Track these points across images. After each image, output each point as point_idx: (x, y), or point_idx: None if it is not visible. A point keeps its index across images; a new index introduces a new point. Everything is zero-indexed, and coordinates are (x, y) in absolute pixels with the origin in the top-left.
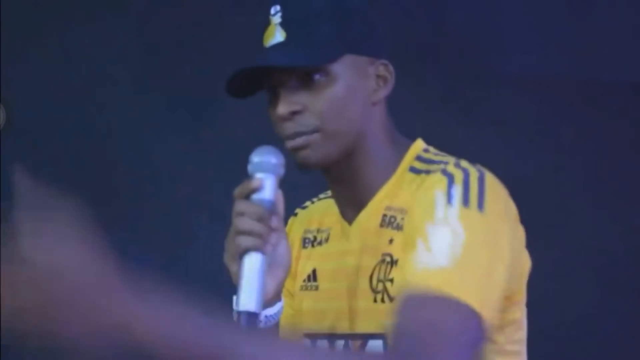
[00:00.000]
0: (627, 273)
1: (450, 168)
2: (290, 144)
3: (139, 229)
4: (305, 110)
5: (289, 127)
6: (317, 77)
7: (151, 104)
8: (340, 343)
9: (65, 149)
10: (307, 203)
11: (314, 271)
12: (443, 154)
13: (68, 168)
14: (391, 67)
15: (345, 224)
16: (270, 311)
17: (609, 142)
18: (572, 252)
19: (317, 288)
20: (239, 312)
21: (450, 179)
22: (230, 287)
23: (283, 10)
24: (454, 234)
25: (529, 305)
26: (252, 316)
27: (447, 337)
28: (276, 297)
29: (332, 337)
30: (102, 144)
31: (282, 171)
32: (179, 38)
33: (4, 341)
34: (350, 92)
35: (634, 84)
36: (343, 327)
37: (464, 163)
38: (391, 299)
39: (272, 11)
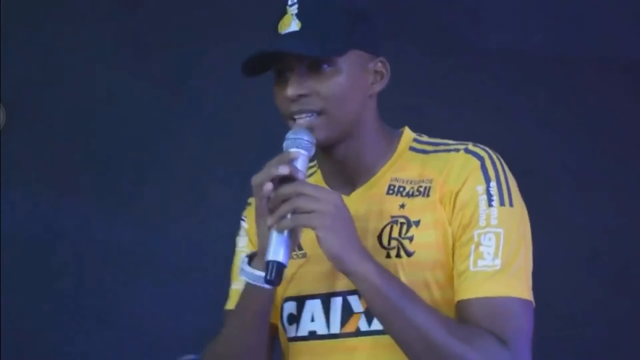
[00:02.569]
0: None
1: (472, 147)
2: (297, 122)
3: (140, 229)
4: (312, 94)
5: (295, 106)
6: (325, 66)
7: (152, 104)
8: (337, 300)
9: (65, 149)
10: None
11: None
12: (434, 138)
13: (68, 168)
14: (388, 64)
15: (343, 196)
16: None
17: (589, 117)
18: (555, 228)
19: (304, 256)
20: (270, 261)
21: (485, 170)
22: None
23: (300, 2)
24: (497, 235)
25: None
26: (281, 265)
27: (524, 333)
28: None
29: (327, 295)
30: (102, 144)
31: (313, 150)
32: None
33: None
34: (352, 83)
35: (612, 59)
36: (340, 286)
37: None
38: (409, 253)
39: (289, 2)
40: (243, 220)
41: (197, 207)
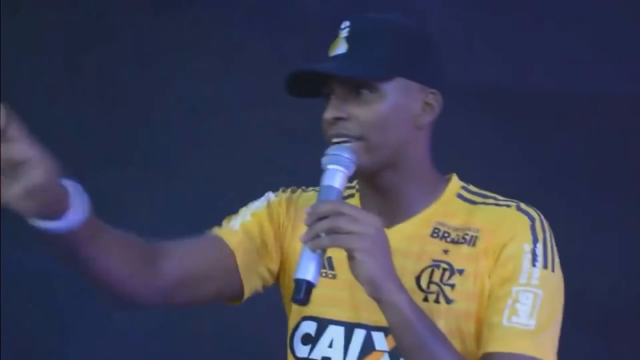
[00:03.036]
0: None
1: (524, 206)
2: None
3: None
4: (350, 119)
5: (334, 129)
6: (364, 91)
7: (154, 103)
8: (361, 332)
9: (66, 149)
10: (311, 189)
11: (330, 259)
12: (481, 190)
13: (68, 168)
14: (440, 97)
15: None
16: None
17: (558, 150)
18: None
19: (334, 277)
20: (300, 280)
21: (534, 231)
22: None
23: (352, 25)
24: (535, 295)
25: None
26: (311, 285)
27: None
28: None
29: (351, 325)
30: (102, 144)
31: (353, 168)
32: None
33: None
34: (396, 111)
35: (572, 93)
36: (363, 318)
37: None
38: (449, 301)
39: (342, 26)
40: (274, 193)
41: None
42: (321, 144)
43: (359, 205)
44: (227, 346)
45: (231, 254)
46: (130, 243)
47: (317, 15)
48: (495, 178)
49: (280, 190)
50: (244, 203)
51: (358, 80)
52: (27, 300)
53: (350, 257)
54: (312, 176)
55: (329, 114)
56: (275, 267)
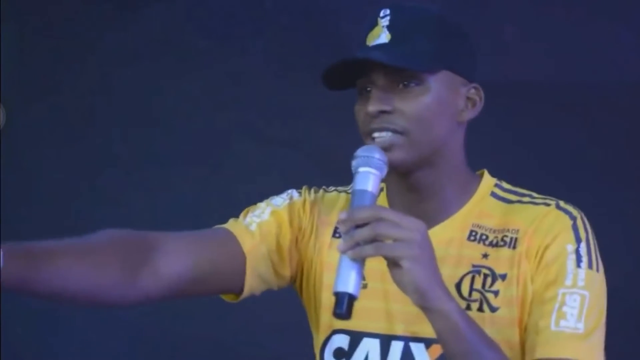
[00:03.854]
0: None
1: (563, 205)
2: (376, 140)
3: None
4: (394, 111)
5: (376, 123)
6: (411, 83)
7: (154, 103)
8: (398, 344)
9: (65, 149)
10: (332, 189)
11: None
12: (515, 187)
13: (68, 168)
14: (482, 92)
15: None
16: None
17: (592, 144)
18: None
19: (365, 286)
20: (341, 293)
21: (576, 230)
22: None
23: (392, 14)
24: (582, 298)
25: None
26: (353, 298)
27: None
28: None
29: (387, 337)
30: (101, 144)
31: (385, 170)
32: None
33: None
34: (440, 105)
35: (583, 84)
36: (399, 329)
37: (562, 202)
38: (493, 309)
39: (382, 14)
40: (297, 192)
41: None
42: (321, 147)
43: (386, 206)
44: (226, 346)
45: (242, 257)
46: (110, 248)
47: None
48: (501, 173)
49: (304, 189)
50: (244, 205)
51: (405, 72)
52: (27, 301)
53: (394, 265)
54: (312, 178)
55: (373, 106)
56: (287, 272)
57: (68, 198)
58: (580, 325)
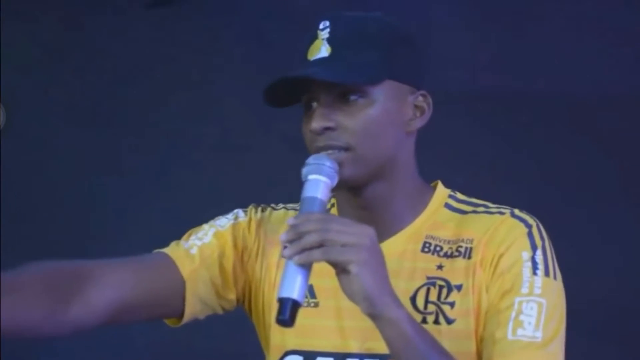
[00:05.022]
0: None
1: (518, 213)
2: None
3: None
4: (338, 128)
5: (321, 140)
6: (354, 97)
7: (154, 105)
8: None
9: (66, 149)
10: (281, 207)
11: (311, 287)
12: (470, 197)
13: (68, 168)
14: (430, 99)
15: None
16: None
17: (546, 154)
18: None
19: (316, 305)
20: (285, 299)
21: (532, 238)
22: None
23: (332, 26)
24: (540, 305)
25: None
26: (297, 304)
27: None
28: None
29: (342, 356)
30: (102, 144)
31: (336, 178)
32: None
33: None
34: (387, 117)
35: (564, 94)
36: (354, 346)
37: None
38: (449, 321)
39: (321, 26)
40: (243, 211)
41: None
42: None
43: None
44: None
45: (181, 282)
46: (39, 282)
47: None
48: (496, 181)
49: (251, 208)
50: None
51: (346, 86)
52: None
53: (343, 272)
54: None
55: (316, 123)
56: (232, 295)
57: (68, 198)
58: (539, 334)
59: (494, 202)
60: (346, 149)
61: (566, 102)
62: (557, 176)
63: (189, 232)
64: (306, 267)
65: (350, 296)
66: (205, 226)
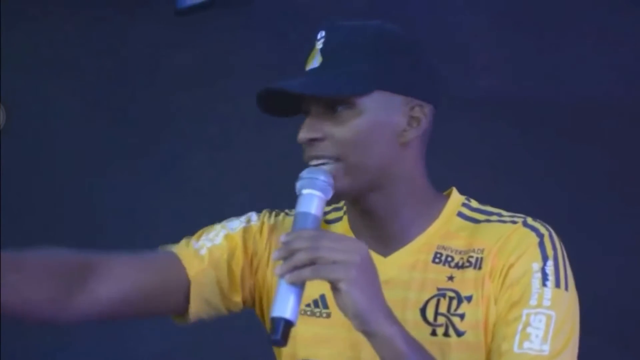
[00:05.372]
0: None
1: (531, 222)
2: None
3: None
4: (326, 139)
5: (310, 151)
6: (340, 108)
7: (155, 107)
8: None
9: (65, 149)
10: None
11: (323, 297)
12: (484, 205)
13: (68, 167)
14: (427, 109)
15: (378, 256)
16: None
17: (577, 161)
18: None
19: (329, 315)
20: (277, 318)
21: (543, 248)
22: None
23: (327, 36)
24: (548, 318)
25: None
26: (289, 324)
27: None
28: None
29: None
30: (102, 144)
31: (330, 192)
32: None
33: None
34: (375, 127)
35: (595, 103)
36: (364, 358)
37: (529, 219)
38: (459, 333)
39: (318, 36)
40: (257, 215)
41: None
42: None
43: (348, 231)
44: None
45: (187, 281)
46: (45, 265)
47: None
48: (511, 184)
49: (264, 212)
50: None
51: (332, 97)
52: None
53: (335, 289)
54: None
55: (303, 134)
56: (238, 298)
57: (68, 198)
58: (546, 347)
59: (507, 209)
60: (336, 159)
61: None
62: (583, 181)
63: (201, 231)
64: (298, 285)
65: (343, 312)
66: (217, 227)
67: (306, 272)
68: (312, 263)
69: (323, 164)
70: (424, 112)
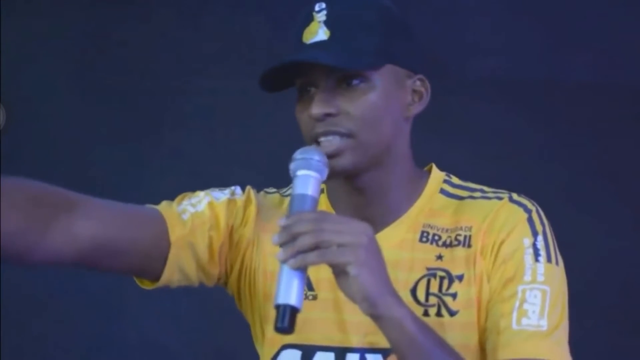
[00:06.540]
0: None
1: (516, 197)
2: (322, 144)
3: None
4: (340, 113)
5: (321, 127)
6: (356, 82)
7: (155, 107)
8: (354, 356)
9: (65, 149)
10: (273, 191)
11: (308, 279)
12: (466, 182)
13: (68, 167)
14: (427, 83)
15: None
16: None
17: (576, 143)
18: None
19: (315, 297)
20: (282, 305)
21: (532, 223)
22: None
23: (329, 8)
24: (544, 293)
25: None
26: (295, 310)
27: None
28: None
29: (341, 350)
30: (102, 144)
31: (325, 172)
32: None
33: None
34: (387, 102)
35: (599, 84)
36: (355, 340)
37: (514, 194)
38: (452, 313)
39: (317, 8)
40: (241, 189)
41: None
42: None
43: (330, 208)
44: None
45: (167, 244)
46: (24, 192)
47: None
48: (526, 166)
49: (248, 188)
50: None
51: (348, 71)
52: (28, 300)
53: (341, 273)
54: None
55: (317, 109)
56: (215, 270)
57: None
58: (544, 323)
59: (510, 190)
60: (348, 135)
61: (612, 91)
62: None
63: (182, 195)
64: (302, 270)
65: (350, 296)
66: (201, 194)
67: (311, 256)
68: (316, 247)
69: (334, 139)
70: (425, 86)
